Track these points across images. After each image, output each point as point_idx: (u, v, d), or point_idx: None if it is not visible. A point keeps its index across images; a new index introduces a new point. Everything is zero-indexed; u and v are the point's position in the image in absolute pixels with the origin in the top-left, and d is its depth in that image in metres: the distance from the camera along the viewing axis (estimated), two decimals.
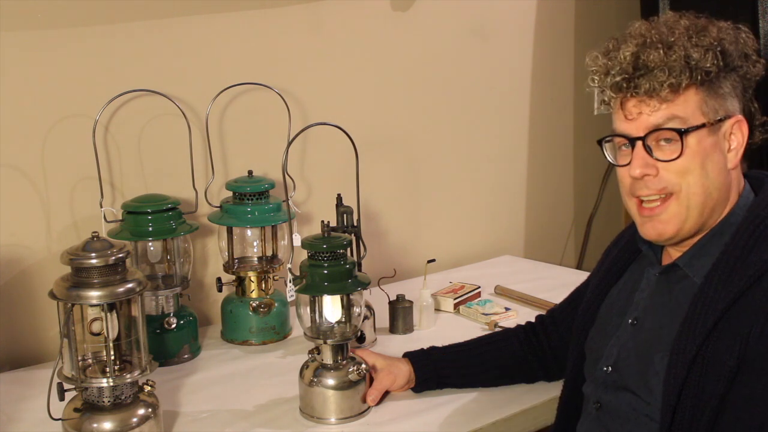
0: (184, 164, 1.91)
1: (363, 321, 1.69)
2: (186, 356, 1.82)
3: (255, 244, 1.96)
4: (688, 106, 1.22)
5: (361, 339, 1.82)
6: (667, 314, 1.27)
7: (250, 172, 1.92)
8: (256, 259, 1.97)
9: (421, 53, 2.41)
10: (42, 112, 1.82)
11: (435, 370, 1.62)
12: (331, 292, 1.53)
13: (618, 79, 1.24)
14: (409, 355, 1.64)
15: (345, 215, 1.73)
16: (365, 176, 1.77)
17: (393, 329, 1.95)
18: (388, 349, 1.80)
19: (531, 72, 2.71)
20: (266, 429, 1.51)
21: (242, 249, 1.97)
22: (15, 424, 1.53)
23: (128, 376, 1.38)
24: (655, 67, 1.21)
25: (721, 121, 1.24)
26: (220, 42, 2.03)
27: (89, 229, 1.49)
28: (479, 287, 2.19)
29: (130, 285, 1.36)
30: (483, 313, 2.01)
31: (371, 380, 1.58)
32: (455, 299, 2.10)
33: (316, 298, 1.54)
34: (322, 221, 1.58)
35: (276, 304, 1.91)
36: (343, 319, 1.56)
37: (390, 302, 1.96)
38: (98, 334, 1.39)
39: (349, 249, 1.58)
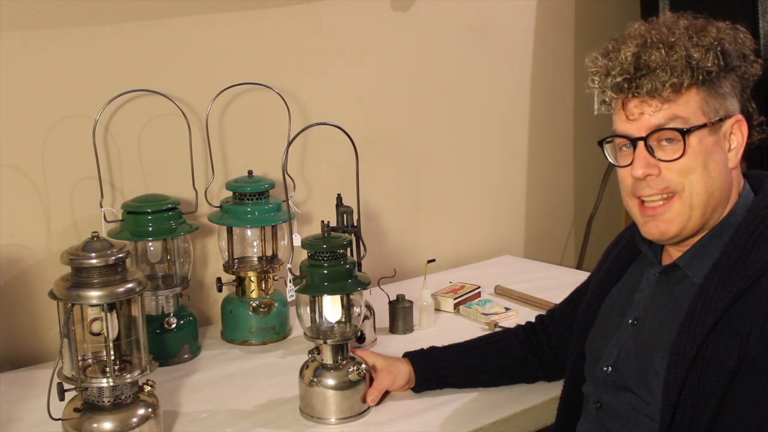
0: (184, 164, 1.91)
1: (363, 321, 1.69)
2: (186, 356, 1.82)
3: (255, 244, 1.96)
4: (689, 106, 1.22)
5: (361, 339, 1.82)
6: (667, 314, 1.27)
7: (250, 172, 1.92)
8: (256, 259, 1.97)
9: (421, 53, 2.42)
10: (42, 112, 1.82)
11: (435, 370, 1.62)
12: (331, 292, 1.53)
13: (619, 79, 1.24)
14: (409, 355, 1.64)
15: (345, 215, 1.73)
16: (365, 176, 1.77)
17: (393, 329, 1.95)
18: (388, 349, 1.80)
19: (531, 72, 2.71)
20: (266, 429, 1.51)
21: (242, 249, 1.97)
22: (15, 424, 1.53)
23: (128, 376, 1.38)
24: (657, 67, 1.21)
25: (721, 120, 1.24)
26: (220, 42, 2.03)
27: (89, 229, 1.50)
28: (479, 287, 2.19)
29: (130, 285, 1.36)
30: (483, 313, 2.01)
31: (371, 380, 1.58)
32: (455, 299, 2.10)
33: (316, 298, 1.54)
34: (322, 221, 1.58)
35: (276, 304, 1.91)
36: (343, 319, 1.56)
37: (390, 302, 1.96)
38: (98, 334, 1.39)
39: (349, 249, 1.58)
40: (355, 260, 1.61)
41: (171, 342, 1.80)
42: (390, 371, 1.59)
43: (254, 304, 1.89)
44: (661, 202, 1.25)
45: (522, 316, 1.97)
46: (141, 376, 1.40)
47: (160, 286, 1.82)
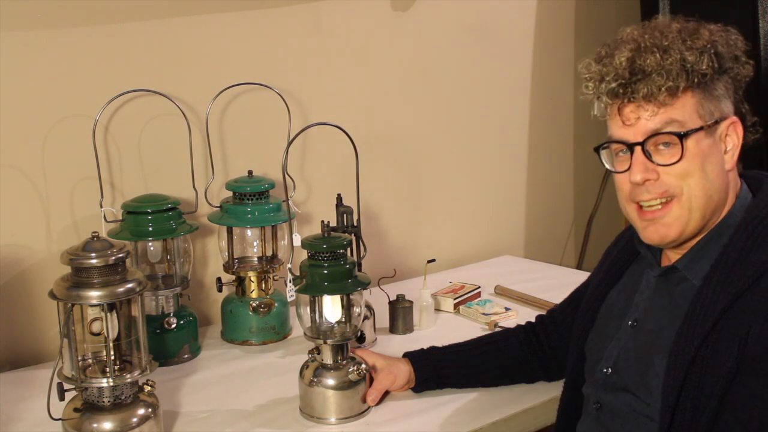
0: (184, 164, 1.91)
1: (363, 321, 1.69)
2: (186, 356, 1.82)
3: (255, 244, 1.96)
4: (685, 110, 1.22)
5: (361, 339, 1.82)
6: (667, 316, 1.27)
7: (250, 172, 1.92)
8: (256, 259, 1.97)
9: (421, 53, 2.42)
10: (42, 112, 1.82)
11: (435, 370, 1.62)
12: (331, 292, 1.53)
13: (613, 85, 1.23)
14: (409, 355, 1.64)
15: (345, 215, 1.73)
16: (365, 176, 1.77)
17: (393, 329, 1.95)
18: (388, 349, 1.80)
19: (531, 72, 2.71)
20: (266, 429, 1.51)
21: (242, 249, 1.97)
22: (15, 424, 1.53)
23: (128, 376, 1.38)
24: (653, 71, 1.20)
25: (717, 123, 1.24)
26: (220, 42, 2.03)
27: (89, 229, 1.49)
28: (479, 287, 2.19)
29: (130, 285, 1.36)
30: (483, 313, 2.01)
31: (371, 380, 1.58)
32: (455, 299, 2.10)
33: (316, 298, 1.55)
34: (322, 221, 1.58)
35: (276, 304, 1.91)
36: (343, 319, 1.56)
37: (390, 302, 1.96)
38: (98, 334, 1.39)
39: (349, 249, 1.58)
40: (355, 260, 1.61)
41: (171, 342, 1.80)
42: (390, 371, 1.59)
43: (254, 304, 1.89)
44: (659, 206, 1.25)
45: (522, 316, 1.97)
46: (141, 376, 1.40)
47: (160, 286, 1.82)
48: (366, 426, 1.52)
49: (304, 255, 1.56)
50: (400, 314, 1.94)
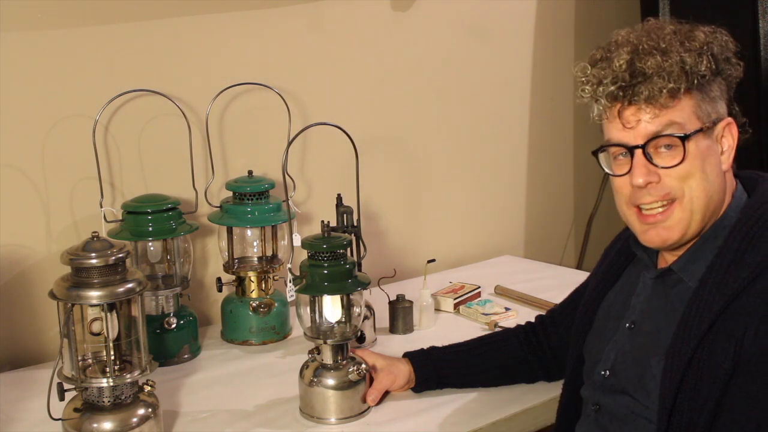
0: (184, 164, 1.91)
1: (363, 321, 1.69)
2: (186, 356, 1.82)
3: (255, 244, 1.96)
4: (684, 112, 1.22)
5: (361, 339, 1.82)
6: (664, 318, 1.27)
7: (250, 172, 1.92)
8: (256, 259, 1.97)
9: (421, 53, 2.42)
10: (42, 112, 1.82)
11: (435, 370, 1.62)
12: (331, 292, 1.53)
13: (612, 88, 1.22)
14: (409, 355, 1.64)
15: (345, 215, 1.73)
16: (365, 176, 1.77)
17: (393, 329, 1.95)
18: (388, 349, 1.80)
19: (531, 72, 2.71)
20: (266, 429, 1.51)
21: (242, 249, 1.97)
22: (15, 424, 1.53)
23: (128, 376, 1.38)
24: (654, 73, 1.20)
25: (714, 124, 1.24)
26: (220, 42, 2.04)
27: (89, 229, 1.49)
28: (479, 287, 2.19)
29: (130, 285, 1.36)
30: (483, 313, 2.01)
31: (371, 380, 1.58)
32: (455, 299, 2.10)
33: (316, 298, 1.55)
34: (322, 221, 1.58)
35: (276, 304, 1.91)
36: (343, 319, 1.56)
37: (390, 302, 1.96)
38: (98, 334, 1.39)
39: (349, 249, 1.58)
40: (355, 260, 1.61)
41: (171, 342, 1.80)
42: (390, 371, 1.59)
43: (254, 304, 1.89)
44: (660, 209, 1.24)
45: (522, 316, 1.97)
46: (141, 376, 1.40)
47: (160, 286, 1.82)
48: (366, 426, 1.52)
49: (304, 255, 1.56)
50: (400, 314, 1.94)
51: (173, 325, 1.80)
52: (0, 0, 1.73)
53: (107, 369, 1.38)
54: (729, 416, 1.15)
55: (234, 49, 2.06)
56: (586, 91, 1.27)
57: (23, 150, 1.81)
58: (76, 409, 1.38)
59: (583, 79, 1.27)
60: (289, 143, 1.65)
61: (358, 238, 1.71)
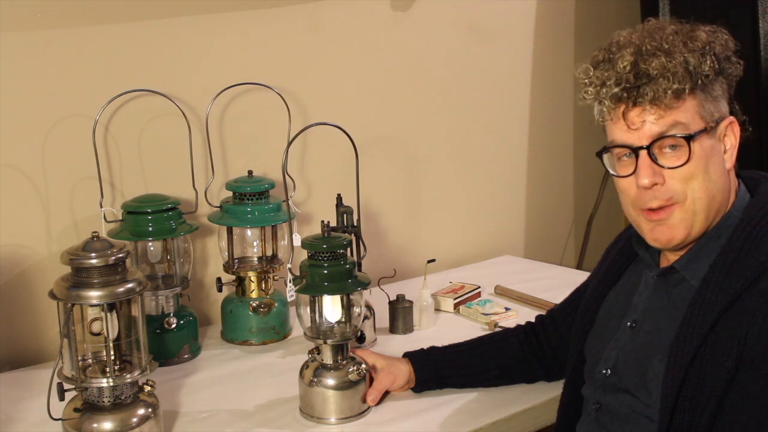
0: (184, 164, 1.91)
1: (363, 321, 1.69)
2: (186, 356, 1.82)
3: (255, 244, 1.96)
4: (688, 112, 1.21)
5: (361, 339, 1.82)
6: (666, 317, 1.27)
7: (250, 172, 1.92)
8: (256, 259, 1.97)
9: (421, 53, 2.41)
10: (42, 112, 1.82)
11: (435, 370, 1.62)
12: (331, 292, 1.53)
13: (616, 89, 1.22)
14: (409, 355, 1.64)
15: (345, 215, 1.73)
16: (365, 176, 1.77)
17: (393, 329, 1.95)
18: (388, 349, 1.80)
19: (531, 72, 2.71)
20: (266, 429, 1.51)
21: (242, 249, 1.97)
22: (15, 424, 1.53)
23: (128, 376, 1.38)
24: (659, 74, 1.19)
25: (717, 123, 1.24)
26: (220, 42, 2.03)
27: (89, 229, 1.49)
28: (479, 287, 2.19)
29: (130, 285, 1.36)
30: (483, 313, 2.01)
31: (371, 380, 1.58)
32: (455, 299, 2.10)
33: (316, 298, 1.55)
34: (322, 221, 1.58)
35: (276, 304, 1.91)
36: (343, 319, 1.56)
37: (390, 302, 1.96)
38: (98, 334, 1.39)
39: (349, 249, 1.58)
40: (355, 260, 1.61)
41: (171, 342, 1.80)
42: (390, 371, 1.59)
43: (254, 304, 1.89)
44: (663, 206, 1.25)
45: (522, 316, 1.97)
46: (141, 376, 1.40)
47: (160, 286, 1.82)
48: (366, 426, 1.52)
49: (304, 255, 1.56)
50: (400, 314, 1.94)
51: (173, 325, 1.80)
52: (0, 0, 1.73)
53: (107, 369, 1.38)
54: (731, 415, 1.15)
55: (234, 49, 2.06)
56: (589, 92, 1.26)
57: (23, 150, 1.81)
58: (76, 409, 1.38)
59: (586, 80, 1.27)
60: (289, 143, 1.65)
61: (358, 238, 1.71)
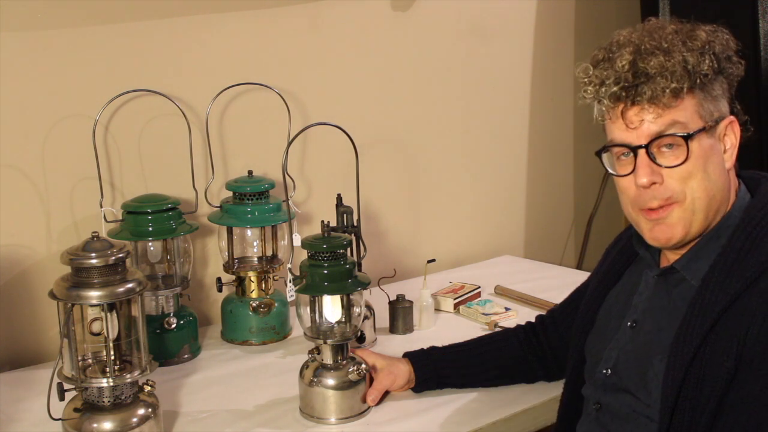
0: (184, 164, 1.91)
1: (363, 321, 1.69)
2: (186, 356, 1.82)
3: (255, 244, 1.96)
4: (687, 111, 1.22)
5: (361, 339, 1.82)
6: (666, 317, 1.27)
7: (250, 172, 1.92)
8: (256, 259, 1.97)
9: (421, 53, 2.41)
10: (42, 112, 1.82)
11: (435, 370, 1.62)
12: (331, 292, 1.53)
13: (615, 88, 1.22)
14: (409, 355, 1.64)
15: (345, 215, 1.73)
16: (365, 176, 1.77)
17: (393, 329, 1.95)
18: (388, 349, 1.80)
19: (531, 72, 2.71)
20: (266, 429, 1.51)
21: (242, 249, 1.97)
22: (15, 424, 1.53)
23: (128, 376, 1.38)
24: (657, 73, 1.20)
25: (716, 123, 1.24)
26: (220, 42, 2.03)
27: (89, 229, 1.49)
28: (479, 287, 2.19)
29: (130, 285, 1.36)
30: (483, 313, 2.01)
31: (371, 380, 1.58)
32: (455, 299, 2.10)
33: (316, 298, 1.55)
34: (322, 221, 1.58)
35: (276, 304, 1.91)
36: (343, 319, 1.56)
37: (390, 302, 1.96)
38: (98, 334, 1.39)
39: (349, 249, 1.58)
40: (355, 260, 1.61)
41: (171, 342, 1.80)
42: (390, 371, 1.59)
43: (254, 304, 1.89)
44: (662, 205, 1.25)
45: (522, 316, 1.97)
46: (141, 376, 1.40)
47: (160, 286, 1.82)
48: (366, 426, 1.52)
49: (304, 255, 1.56)
50: (400, 314, 1.94)
51: (173, 325, 1.80)
52: (0, 0, 1.73)
53: (107, 369, 1.38)
54: (731, 415, 1.15)
55: (234, 49, 2.06)
56: (589, 91, 1.27)
57: (23, 150, 1.81)
58: (76, 409, 1.38)
59: (586, 79, 1.27)
60: (289, 143, 1.65)
61: (358, 238, 1.71)
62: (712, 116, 1.23)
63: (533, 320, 1.69)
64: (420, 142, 2.46)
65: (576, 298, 1.58)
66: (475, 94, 2.57)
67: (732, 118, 1.26)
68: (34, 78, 1.80)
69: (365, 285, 1.54)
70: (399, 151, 2.42)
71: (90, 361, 1.41)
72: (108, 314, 1.36)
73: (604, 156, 1.30)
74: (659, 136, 1.22)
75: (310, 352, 1.57)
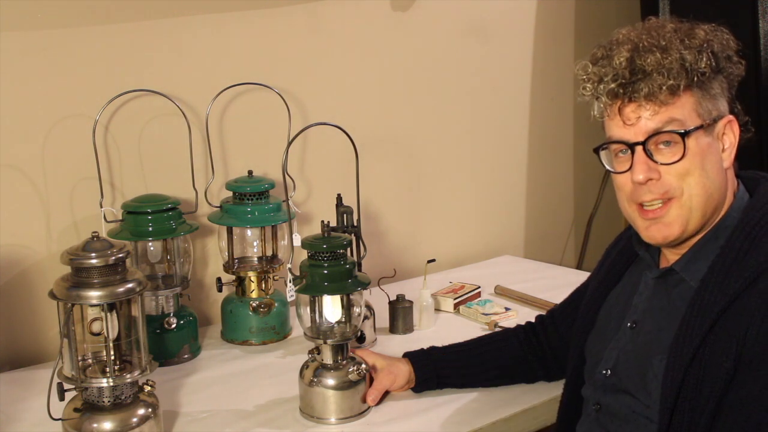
0: (184, 164, 1.91)
1: (363, 321, 1.69)
2: (186, 356, 1.82)
3: (255, 244, 1.96)
4: (684, 109, 1.22)
5: (361, 339, 1.82)
6: (665, 318, 1.27)
7: (250, 172, 1.92)
8: (256, 259, 1.97)
9: (421, 53, 2.41)
10: (42, 112, 1.82)
11: (435, 370, 1.62)
12: (331, 292, 1.53)
13: (613, 85, 1.23)
14: (409, 355, 1.64)
15: (345, 215, 1.73)
16: (365, 176, 1.77)
17: (393, 329, 1.95)
18: (388, 349, 1.80)
19: (531, 72, 2.71)
20: (266, 429, 1.51)
21: (242, 249, 1.97)
22: (15, 424, 1.53)
23: (128, 376, 1.38)
24: (653, 70, 1.20)
25: (715, 121, 1.24)
26: (220, 42, 2.03)
27: (89, 229, 1.49)
28: (479, 287, 2.19)
29: (130, 285, 1.36)
30: (483, 313, 2.01)
31: (371, 380, 1.58)
32: (455, 299, 2.10)
33: (316, 298, 1.55)
34: (322, 221, 1.58)
35: (276, 304, 1.91)
36: (343, 319, 1.56)
37: (390, 302, 1.96)
38: (98, 334, 1.39)
39: (349, 249, 1.58)
40: (355, 260, 1.61)
41: (171, 342, 1.80)
42: (390, 371, 1.59)
43: (254, 304, 1.89)
44: (660, 205, 1.25)
45: (522, 316, 1.97)
46: (141, 376, 1.40)
47: (160, 286, 1.82)
48: (366, 426, 1.52)
49: (304, 255, 1.56)
50: (400, 314, 1.94)
51: (173, 325, 1.80)
52: (0, 0, 1.73)
53: (107, 369, 1.38)
54: (730, 416, 1.15)
55: (234, 49, 2.06)
56: (587, 89, 1.27)
57: (23, 150, 1.81)
58: (76, 409, 1.38)
59: (584, 77, 1.28)
60: (289, 143, 1.65)
61: (358, 238, 1.71)
62: (710, 114, 1.23)
63: (533, 320, 1.69)
64: (420, 142, 2.46)
65: (576, 298, 1.58)
66: (475, 94, 2.57)
67: (731, 117, 1.26)
68: (34, 78, 1.80)
69: (365, 285, 1.54)
70: (399, 151, 2.42)
71: (90, 361, 1.41)
72: (108, 314, 1.36)
73: (602, 153, 1.31)
74: (656, 132, 1.22)
75: (310, 352, 1.57)
